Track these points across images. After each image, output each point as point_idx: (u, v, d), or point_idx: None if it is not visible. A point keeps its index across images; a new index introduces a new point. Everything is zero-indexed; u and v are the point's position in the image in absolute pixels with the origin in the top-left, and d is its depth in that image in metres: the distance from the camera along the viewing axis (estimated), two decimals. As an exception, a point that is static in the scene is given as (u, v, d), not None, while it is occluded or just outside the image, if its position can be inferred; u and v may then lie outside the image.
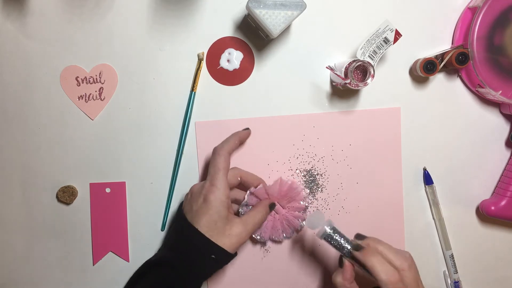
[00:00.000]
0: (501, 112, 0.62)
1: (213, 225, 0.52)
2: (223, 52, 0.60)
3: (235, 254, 0.54)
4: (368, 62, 0.54)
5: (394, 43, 0.55)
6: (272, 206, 0.56)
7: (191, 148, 0.62)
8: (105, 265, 0.63)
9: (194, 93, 0.60)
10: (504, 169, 0.62)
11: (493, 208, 0.60)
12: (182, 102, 0.61)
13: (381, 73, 0.61)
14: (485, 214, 0.61)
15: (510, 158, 0.62)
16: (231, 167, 0.56)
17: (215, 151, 0.55)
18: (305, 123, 0.61)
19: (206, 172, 0.60)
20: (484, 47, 0.56)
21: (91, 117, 0.61)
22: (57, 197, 0.62)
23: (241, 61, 0.60)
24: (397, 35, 0.54)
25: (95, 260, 0.63)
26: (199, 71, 0.60)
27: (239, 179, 0.57)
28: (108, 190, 0.62)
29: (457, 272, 0.63)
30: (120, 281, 0.63)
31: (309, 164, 0.62)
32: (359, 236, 0.54)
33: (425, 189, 0.63)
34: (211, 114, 0.61)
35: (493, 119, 0.62)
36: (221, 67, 0.61)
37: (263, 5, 0.52)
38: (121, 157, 0.62)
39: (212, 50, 0.60)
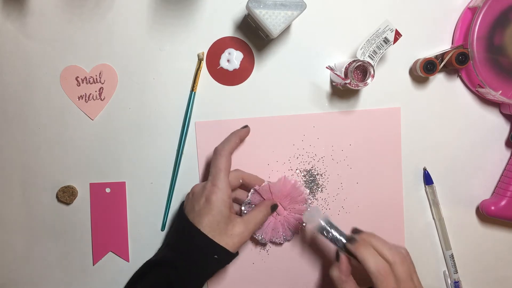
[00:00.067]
0: (501, 112, 0.62)
1: (215, 225, 0.52)
2: (223, 52, 0.60)
3: (237, 253, 0.54)
4: (368, 62, 0.54)
5: (394, 43, 0.54)
6: (274, 208, 0.56)
7: (191, 148, 0.62)
8: (105, 265, 0.63)
9: (194, 93, 0.60)
10: (504, 169, 0.62)
11: (493, 208, 0.60)
12: (182, 102, 0.61)
13: (381, 73, 0.61)
14: (485, 214, 0.61)
15: (510, 158, 0.62)
16: (232, 169, 0.56)
17: (216, 151, 0.55)
18: (305, 123, 0.61)
19: (207, 172, 0.61)
20: (484, 47, 0.56)
21: (91, 117, 0.61)
22: (57, 197, 0.62)
23: (241, 61, 0.60)
24: (397, 35, 0.54)
25: (95, 260, 0.63)
26: (199, 71, 0.60)
27: (240, 181, 0.57)
28: (108, 190, 0.62)
29: (457, 272, 0.63)
30: (120, 281, 0.63)
31: (309, 164, 0.62)
32: (355, 231, 0.54)
33: (425, 189, 0.63)
34: (211, 114, 0.61)
35: (493, 119, 0.62)
36: (221, 67, 0.61)
37: (263, 5, 0.52)
38: (121, 157, 0.62)
39: (212, 50, 0.60)
